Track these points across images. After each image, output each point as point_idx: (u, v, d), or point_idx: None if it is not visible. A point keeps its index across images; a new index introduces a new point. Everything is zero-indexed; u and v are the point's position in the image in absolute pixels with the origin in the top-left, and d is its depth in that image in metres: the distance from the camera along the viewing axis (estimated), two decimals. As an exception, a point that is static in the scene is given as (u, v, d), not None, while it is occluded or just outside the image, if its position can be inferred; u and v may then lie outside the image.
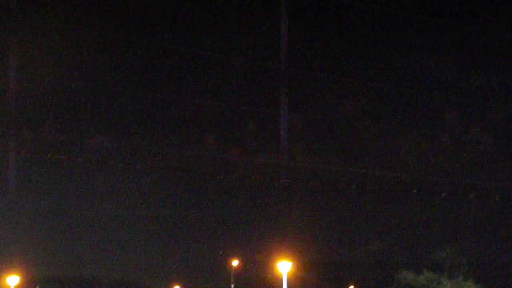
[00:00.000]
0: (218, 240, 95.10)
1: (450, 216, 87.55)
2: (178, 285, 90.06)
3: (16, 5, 55.68)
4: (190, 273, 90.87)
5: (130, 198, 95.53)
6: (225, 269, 74.03)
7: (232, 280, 69.16)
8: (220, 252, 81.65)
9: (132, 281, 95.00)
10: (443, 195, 75.26)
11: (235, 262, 71.16)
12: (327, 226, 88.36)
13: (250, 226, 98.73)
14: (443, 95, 75.60)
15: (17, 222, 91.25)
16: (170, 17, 74.01)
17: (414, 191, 69.09)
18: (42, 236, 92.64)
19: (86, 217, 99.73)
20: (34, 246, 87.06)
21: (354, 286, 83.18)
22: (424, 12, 77.31)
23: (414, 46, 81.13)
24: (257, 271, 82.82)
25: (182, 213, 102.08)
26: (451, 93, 76.20)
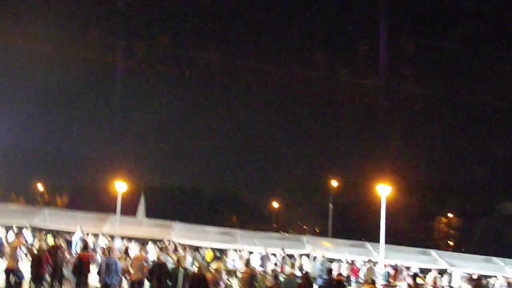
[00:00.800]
0: (319, 160, 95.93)
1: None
2: (278, 201, 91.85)
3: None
4: (291, 191, 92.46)
5: (235, 114, 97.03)
6: (325, 189, 74.74)
7: (330, 200, 69.88)
8: None
9: (233, 195, 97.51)
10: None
11: (334, 183, 71.68)
12: (430, 151, 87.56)
13: (352, 148, 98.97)
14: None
15: (126, 131, 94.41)
16: None
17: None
18: (151, 146, 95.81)
19: (192, 130, 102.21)
20: (141, 156, 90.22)
21: (453, 213, 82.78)
22: None
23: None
24: (356, 193, 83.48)
25: (286, 133, 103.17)
26: None
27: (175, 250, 36.99)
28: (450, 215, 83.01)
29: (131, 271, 25.88)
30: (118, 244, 37.12)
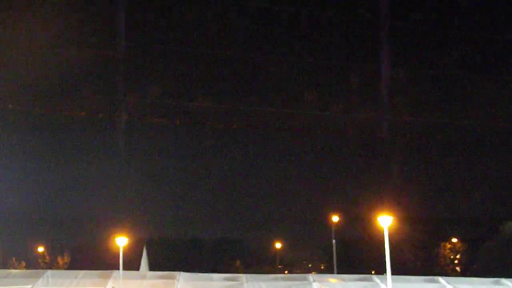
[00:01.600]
0: (318, 196, 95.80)
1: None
2: (280, 241, 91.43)
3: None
4: (292, 230, 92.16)
5: (230, 158, 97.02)
6: (326, 225, 74.53)
7: (333, 236, 69.63)
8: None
9: (234, 239, 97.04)
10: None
11: (335, 218, 71.46)
12: (428, 180, 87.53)
13: (351, 182, 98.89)
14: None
15: (125, 185, 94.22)
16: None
17: (518, 142, 67.05)
18: (148, 198, 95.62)
19: (189, 178, 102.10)
20: (141, 208, 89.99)
21: (457, 239, 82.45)
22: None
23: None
24: (357, 226, 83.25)
25: (283, 171, 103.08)
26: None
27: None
28: (454, 240, 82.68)
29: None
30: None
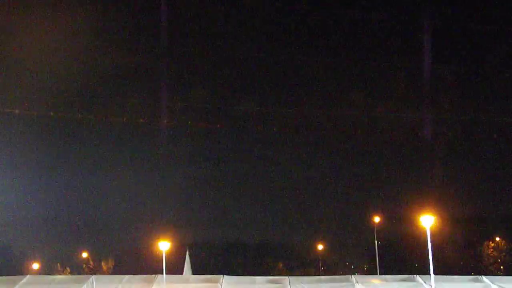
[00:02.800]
0: (360, 197, 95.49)
1: None
2: (323, 243, 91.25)
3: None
4: (335, 232, 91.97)
5: (272, 161, 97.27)
6: (368, 226, 74.38)
7: (375, 236, 69.37)
8: None
9: (277, 242, 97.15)
10: None
11: (377, 219, 71.26)
12: (471, 179, 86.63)
13: (393, 182, 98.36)
14: None
15: (167, 189, 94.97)
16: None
17: None
18: (191, 202, 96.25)
19: (231, 182, 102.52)
20: (183, 212, 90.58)
21: (501, 238, 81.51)
22: None
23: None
24: (400, 226, 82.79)
25: (324, 172, 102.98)
26: None
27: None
28: (497, 239, 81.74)
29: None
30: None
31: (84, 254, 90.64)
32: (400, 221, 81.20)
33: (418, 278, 46.06)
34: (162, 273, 42.88)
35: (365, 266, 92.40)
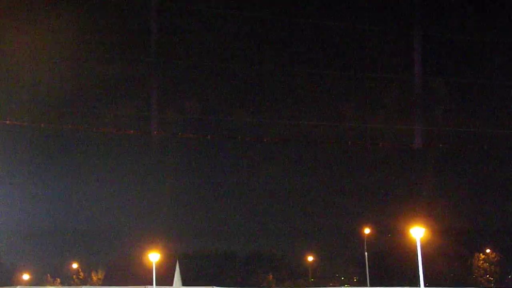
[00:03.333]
0: (350, 209, 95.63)
1: None
2: (313, 254, 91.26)
3: None
4: (324, 243, 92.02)
5: (262, 172, 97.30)
6: (358, 237, 74.57)
7: (365, 248, 69.54)
8: None
9: (267, 253, 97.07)
10: None
11: (367, 230, 71.49)
12: (460, 191, 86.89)
13: (383, 194, 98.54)
14: None
15: (157, 200, 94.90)
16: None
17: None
18: (181, 213, 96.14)
19: (221, 193, 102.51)
20: (173, 223, 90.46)
21: (491, 250, 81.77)
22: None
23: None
24: (390, 238, 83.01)
25: (314, 184, 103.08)
26: None
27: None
28: (488, 250, 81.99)
29: None
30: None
31: (74, 265, 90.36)
32: (390, 233, 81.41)
33: (408, 289, 46.28)
34: (152, 284, 42.98)
35: (355, 277, 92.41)
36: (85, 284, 79.94)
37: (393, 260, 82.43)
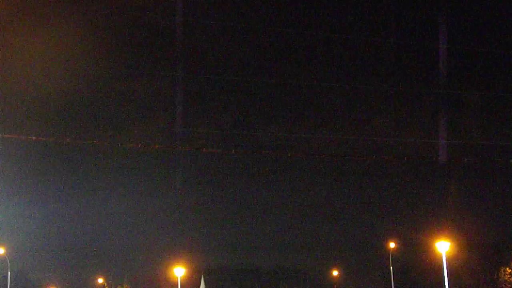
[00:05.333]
0: (375, 223, 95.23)
1: None
2: (337, 268, 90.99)
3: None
4: (349, 257, 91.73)
5: (287, 186, 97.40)
6: (383, 251, 74.36)
7: (390, 262, 69.32)
8: None
9: (292, 267, 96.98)
10: None
11: (392, 244, 71.31)
12: (486, 204, 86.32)
13: (408, 207, 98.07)
14: None
15: (182, 215, 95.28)
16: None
17: None
18: (206, 228, 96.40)
19: (246, 207, 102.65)
20: (198, 238, 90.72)
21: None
22: None
23: None
24: (415, 252, 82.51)
25: (339, 197, 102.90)
26: None
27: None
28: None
29: None
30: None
31: (100, 280, 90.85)
32: (416, 247, 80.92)
33: (434, 303, 46.14)
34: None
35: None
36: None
37: (418, 274, 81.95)
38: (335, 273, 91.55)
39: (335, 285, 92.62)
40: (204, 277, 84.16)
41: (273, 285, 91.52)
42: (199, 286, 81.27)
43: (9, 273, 67.34)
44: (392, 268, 68.62)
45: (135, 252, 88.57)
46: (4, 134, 24.04)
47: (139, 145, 30.14)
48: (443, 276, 36.82)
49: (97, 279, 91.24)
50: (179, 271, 47.17)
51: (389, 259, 70.45)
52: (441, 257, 37.04)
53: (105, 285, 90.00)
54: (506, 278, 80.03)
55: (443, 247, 37.42)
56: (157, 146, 30.85)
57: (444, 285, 36.87)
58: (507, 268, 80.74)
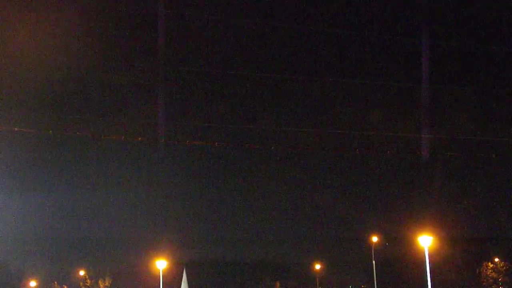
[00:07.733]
0: (358, 217, 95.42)
1: None
2: (320, 262, 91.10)
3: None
4: (331, 251, 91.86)
5: (270, 180, 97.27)
6: (366, 245, 74.46)
7: (373, 256, 69.39)
8: None
9: (275, 261, 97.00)
10: None
11: (375, 238, 71.40)
12: (469, 199, 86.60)
13: (391, 202, 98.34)
14: None
15: (164, 208, 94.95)
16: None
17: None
18: (188, 220, 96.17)
19: (229, 201, 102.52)
20: (181, 231, 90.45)
21: (499, 259, 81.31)
22: None
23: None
24: (398, 246, 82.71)
25: (321, 192, 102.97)
26: None
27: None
28: (496, 260, 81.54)
29: None
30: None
31: (81, 272, 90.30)
32: (398, 241, 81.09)
33: (416, 298, 46.13)
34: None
35: (362, 285, 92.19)
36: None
37: (401, 268, 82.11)
38: (317, 266, 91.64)
39: (317, 279, 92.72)
40: (186, 270, 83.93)
41: (256, 278, 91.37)
42: (181, 279, 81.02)
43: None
44: (375, 262, 68.63)
45: (117, 245, 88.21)
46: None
47: (122, 137, 29.80)
48: (426, 271, 36.76)
49: (78, 272, 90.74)
50: (161, 264, 46.88)
51: (371, 253, 70.50)
52: (424, 252, 36.98)
53: (87, 277, 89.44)
54: (488, 273, 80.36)
55: (426, 241, 37.38)
56: (140, 139, 30.51)
57: (427, 280, 36.80)
58: (490, 263, 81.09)
